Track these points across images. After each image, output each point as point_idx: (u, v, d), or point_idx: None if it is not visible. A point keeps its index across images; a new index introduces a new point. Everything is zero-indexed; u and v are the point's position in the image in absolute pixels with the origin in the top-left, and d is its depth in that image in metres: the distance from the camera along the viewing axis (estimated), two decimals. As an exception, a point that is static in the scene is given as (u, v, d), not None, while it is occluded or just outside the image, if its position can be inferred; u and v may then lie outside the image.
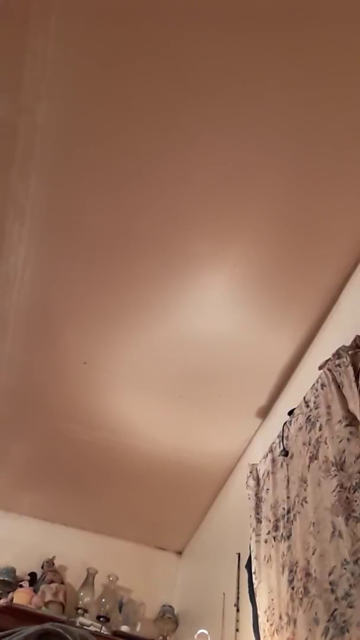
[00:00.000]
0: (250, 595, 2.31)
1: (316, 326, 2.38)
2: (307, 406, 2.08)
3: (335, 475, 1.70)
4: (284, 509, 2.07)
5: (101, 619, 3.50)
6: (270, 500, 2.22)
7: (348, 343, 1.88)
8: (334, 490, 1.68)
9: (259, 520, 2.31)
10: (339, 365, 1.86)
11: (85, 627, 3.23)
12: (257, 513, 2.34)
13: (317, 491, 1.82)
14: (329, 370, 1.92)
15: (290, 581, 1.86)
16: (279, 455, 2.25)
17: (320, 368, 2.00)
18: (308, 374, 2.27)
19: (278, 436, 2.31)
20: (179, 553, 4.07)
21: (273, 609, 1.95)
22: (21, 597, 3.37)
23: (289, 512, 2.02)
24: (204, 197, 2.06)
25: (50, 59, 1.78)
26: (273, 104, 1.79)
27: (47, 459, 3.41)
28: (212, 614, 2.79)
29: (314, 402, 2.03)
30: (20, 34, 1.74)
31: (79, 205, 2.16)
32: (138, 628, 3.54)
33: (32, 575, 3.61)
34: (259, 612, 2.09)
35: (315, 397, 2.02)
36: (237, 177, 1.99)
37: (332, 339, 2.16)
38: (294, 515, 1.96)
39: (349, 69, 1.70)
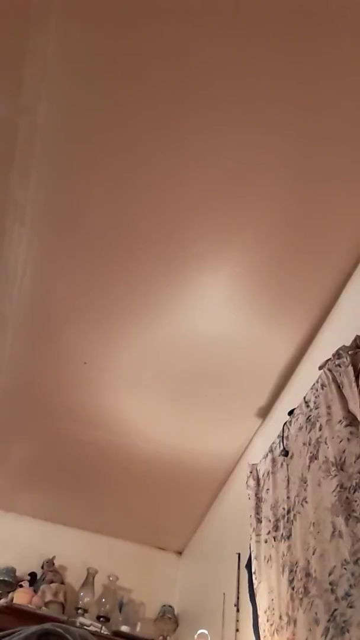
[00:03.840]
0: (250, 595, 2.31)
1: (316, 326, 2.38)
2: (307, 406, 2.08)
3: (335, 475, 1.70)
4: (284, 509, 2.07)
5: (101, 619, 3.50)
6: (270, 500, 2.22)
7: (348, 343, 1.88)
8: (334, 490, 1.68)
9: (259, 520, 2.31)
10: (339, 365, 1.86)
11: (85, 627, 3.23)
12: (257, 513, 2.34)
13: (317, 491, 1.82)
14: (329, 370, 1.92)
15: (291, 581, 1.86)
16: (279, 455, 2.25)
17: (320, 368, 2.00)
18: (308, 374, 2.27)
19: (278, 436, 2.31)
20: (179, 553, 4.07)
21: (273, 609, 1.95)
22: (21, 597, 3.36)
23: (289, 512, 2.02)
24: (205, 195, 2.05)
25: (50, 59, 1.78)
26: (274, 100, 1.79)
27: (47, 459, 3.41)
28: (212, 614, 2.79)
29: (314, 402, 2.03)
30: (20, 34, 1.74)
31: (79, 205, 2.16)
32: (138, 628, 3.54)
33: (32, 575, 3.61)
34: (259, 612, 2.09)
35: (316, 397, 2.02)
36: (238, 176, 1.99)
37: (332, 339, 2.16)
38: (294, 515, 1.96)
39: (351, 65, 1.69)
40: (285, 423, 2.28)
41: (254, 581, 2.19)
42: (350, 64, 1.69)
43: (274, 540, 2.09)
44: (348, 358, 1.82)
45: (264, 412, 2.82)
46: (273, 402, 2.74)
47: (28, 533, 3.81)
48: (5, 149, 2.01)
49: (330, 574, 1.61)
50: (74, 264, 2.35)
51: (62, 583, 3.62)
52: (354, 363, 1.80)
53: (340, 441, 1.74)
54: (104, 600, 3.61)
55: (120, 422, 3.07)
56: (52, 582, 3.55)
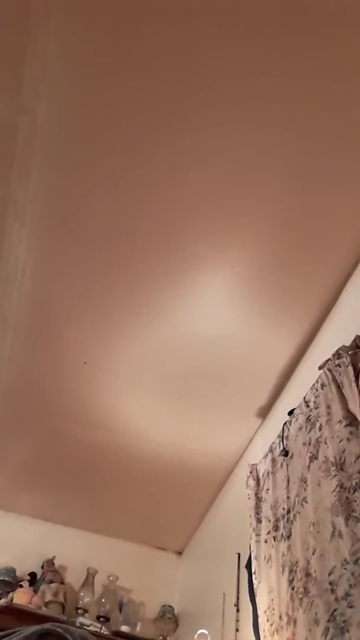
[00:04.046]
0: (250, 595, 2.31)
1: (316, 326, 2.38)
2: (307, 406, 2.08)
3: (335, 475, 1.70)
4: (284, 509, 2.07)
5: (101, 619, 3.50)
6: (270, 500, 2.22)
7: (348, 343, 1.88)
8: (334, 490, 1.68)
9: (259, 520, 2.31)
10: (339, 365, 1.86)
11: (85, 627, 3.23)
12: (257, 513, 2.34)
13: (317, 491, 1.82)
14: (329, 370, 1.92)
15: (290, 581, 1.86)
16: (279, 455, 2.25)
17: (320, 368, 2.00)
18: (308, 374, 2.27)
19: (278, 436, 2.31)
20: (179, 553, 4.07)
21: (273, 609, 1.95)
22: (21, 597, 3.36)
23: (289, 512, 2.02)
24: (205, 195, 2.06)
25: (50, 59, 1.78)
26: (274, 100, 1.79)
27: (47, 459, 3.41)
28: (212, 614, 2.79)
29: (314, 402, 2.03)
30: (20, 34, 1.74)
31: (79, 205, 2.16)
32: (138, 628, 3.54)
33: (32, 575, 3.61)
34: (259, 612, 2.09)
35: (315, 397, 2.02)
36: (238, 176, 1.99)
37: (332, 339, 2.16)
38: (294, 515, 1.96)
39: (351, 66, 1.69)
40: (285, 423, 2.27)
41: (254, 581, 2.19)
42: (351, 64, 1.69)
43: (274, 540, 2.09)
44: (348, 358, 1.82)
45: (264, 412, 2.82)
46: (273, 402, 2.74)
47: (28, 533, 3.80)
48: (5, 149, 2.01)
49: (330, 574, 1.61)
50: (74, 264, 2.35)
51: (62, 583, 3.62)
52: (353, 363, 1.80)
53: (340, 441, 1.74)
54: (104, 600, 3.61)
55: (120, 422, 3.07)
56: (52, 582, 3.55)
